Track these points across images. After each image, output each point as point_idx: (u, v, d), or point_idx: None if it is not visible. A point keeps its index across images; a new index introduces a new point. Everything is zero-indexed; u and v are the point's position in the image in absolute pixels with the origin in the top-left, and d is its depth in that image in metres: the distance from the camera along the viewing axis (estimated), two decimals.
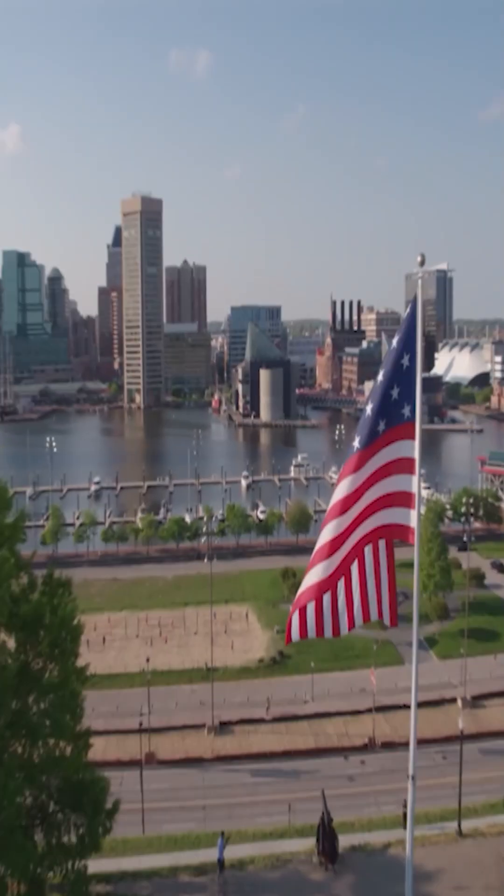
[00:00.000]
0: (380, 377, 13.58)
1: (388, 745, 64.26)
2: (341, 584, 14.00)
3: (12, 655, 19.84)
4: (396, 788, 55.29)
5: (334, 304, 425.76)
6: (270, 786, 60.57)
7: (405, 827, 38.65)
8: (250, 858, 31.86)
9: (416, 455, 13.62)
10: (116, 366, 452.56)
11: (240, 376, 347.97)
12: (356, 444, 13.45)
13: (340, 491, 13.57)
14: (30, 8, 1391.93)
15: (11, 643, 20.42)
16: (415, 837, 33.57)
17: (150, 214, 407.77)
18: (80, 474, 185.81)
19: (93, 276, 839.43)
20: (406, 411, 13.41)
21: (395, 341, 13.50)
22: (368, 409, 13.43)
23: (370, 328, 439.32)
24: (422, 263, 13.42)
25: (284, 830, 40.51)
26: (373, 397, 13.47)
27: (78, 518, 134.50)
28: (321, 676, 76.72)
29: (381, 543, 13.99)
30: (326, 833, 29.65)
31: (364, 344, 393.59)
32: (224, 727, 69.41)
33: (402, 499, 13.66)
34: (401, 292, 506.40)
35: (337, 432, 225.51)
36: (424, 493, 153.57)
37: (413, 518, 13.72)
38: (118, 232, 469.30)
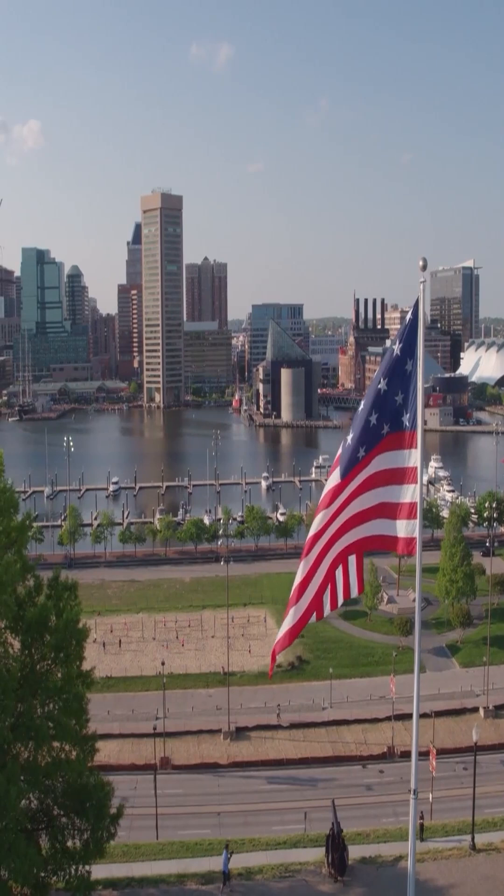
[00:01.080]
0: (382, 385, 12.93)
1: (408, 755, 63.03)
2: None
3: (16, 658, 19.41)
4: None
5: (357, 301, 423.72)
6: (286, 793, 59.81)
7: (421, 839, 38.01)
8: (258, 868, 31.32)
9: (418, 464, 12.92)
10: (136, 364, 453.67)
11: (261, 376, 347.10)
12: (361, 452, 12.95)
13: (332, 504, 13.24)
14: (49, 3, 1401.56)
15: (16, 646, 20.05)
16: (427, 851, 32.92)
17: (170, 211, 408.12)
18: (98, 474, 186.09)
19: (112, 274, 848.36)
20: (406, 420, 12.84)
21: (396, 347, 12.88)
22: (374, 418, 12.93)
23: (394, 327, 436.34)
24: (423, 268, 12.75)
25: (298, 839, 39.77)
26: (375, 406, 12.96)
27: (96, 518, 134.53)
28: (340, 683, 75.81)
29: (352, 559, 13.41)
30: (336, 844, 28.87)
31: (388, 343, 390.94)
32: (240, 733, 68.74)
33: (392, 510, 13.16)
34: (426, 290, 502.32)
35: None
36: (448, 496, 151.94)
37: (403, 528, 13.05)
38: (138, 229, 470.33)
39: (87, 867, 19.69)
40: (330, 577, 13.73)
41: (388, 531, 13.31)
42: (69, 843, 19.84)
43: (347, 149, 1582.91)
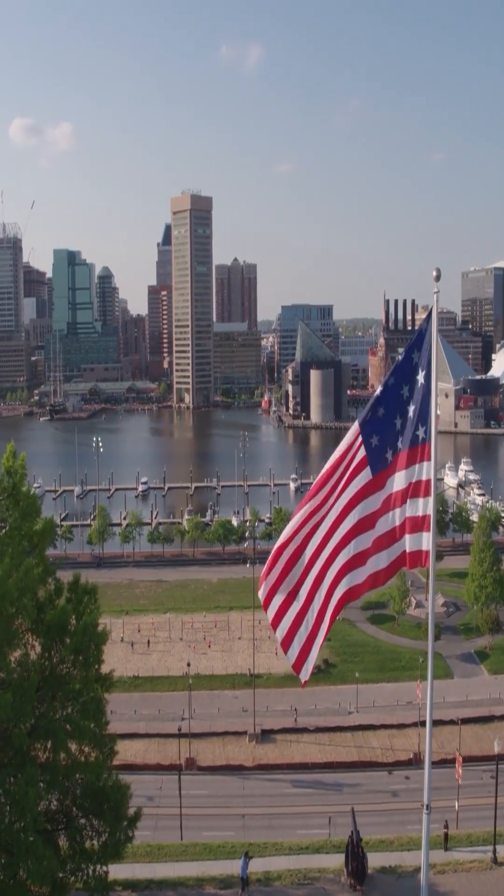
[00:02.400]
0: (404, 393, 12.91)
1: (436, 762, 62.59)
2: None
3: (36, 662, 19.67)
4: (441, 807, 53.72)
5: (387, 302, 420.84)
6: (311, 797, 59.63)
7: (445, 848, 37.63)
8: (277, 874, 31.32)
9: (433, 476, 12.86)
10: (166, 365, 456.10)
11: (290, 377, 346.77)
12: (388, 455, 13.02)
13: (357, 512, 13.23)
14: (79, 6, 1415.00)
15: (37, 649, 20.32)
16: (448, 862, 32.58)
17: (200, 212, 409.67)
18: (127, 474, 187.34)
19: (143, 275, 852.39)
20: (420, 432, 12.79)
21: (414, 359, 12.80)
22: (396, 423, 12.99)
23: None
24: (437, 279, 12.58)
25: (321, 845, 39.69)
26: (390, 407, 12.97)
27: (124, 518, 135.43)
28: (366, 687, 75.35)
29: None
30: (355, 853, 28.72)
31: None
32: (266, 735, 68.66)
33: (418, 524, 13.10)
34: (457, 291, 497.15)
35: None
36: (478, 499, 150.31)
37: (412, 543, 13.02)
38: (168, 230, 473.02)
39: (104, 868, 19.84)
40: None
41: (411, 546, 13.21)
42: (87, 845, 20.03)
43: (377, 148, 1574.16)
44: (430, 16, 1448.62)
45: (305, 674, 13.90)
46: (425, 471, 12.84)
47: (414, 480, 12.91)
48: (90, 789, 19.37)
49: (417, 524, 12.90)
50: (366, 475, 13.20)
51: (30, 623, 19.20)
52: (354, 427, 13.70)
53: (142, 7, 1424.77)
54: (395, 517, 13.05)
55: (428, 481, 12.81)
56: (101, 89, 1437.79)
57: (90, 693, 20.00)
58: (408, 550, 13.12)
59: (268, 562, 13.90)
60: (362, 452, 13.39)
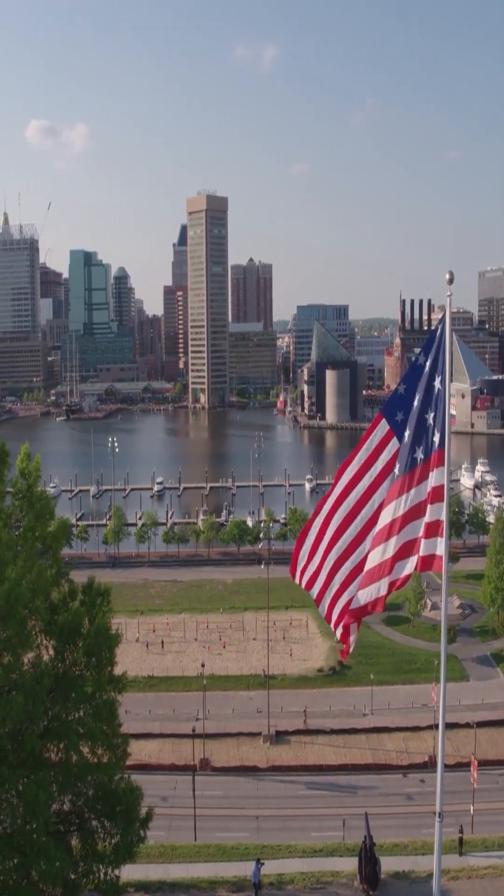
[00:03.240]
0: (415, 402, 12.82)
1: (452, 765, 62.11)
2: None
3: (47, 665, 19.78)
4: (457, 810, 53.41)
5: (403, 302, 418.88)
6: (325, 799, 59.43)
7: (460, 853, 37.30)
8: (290, 878, 31.17)
9: (446, 482, 12.77)
10: (181, 365, 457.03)
11: (305, 377, 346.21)
12: (396, 470, 12.80)
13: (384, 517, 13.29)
14: (95, 8, 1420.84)
15: (50, 650, 20.44)
16: (462, 869, 32.25)
17: (216, 213, 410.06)
18: (143, 474, 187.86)
19: (159, 275, 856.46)
20: (435, 439, 12.84)
21: (426, 365, 12.70)
22: (406, 435, 12.81)
23: None
24: (450, 282, 12.43)
25: (335, 847, 39.51)
26: (409, 423, 12.89)
27: (140, 518, 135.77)
28: (381, 689, 75.03)
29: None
30: (368, 858, 28.49)
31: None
32: (280, 736, 68.54)
33: (431, 529, 13.09)
34: (473, 291, 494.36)
35: None
36: (495, 500, 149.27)
37: (436, 546, 12.86)
38: (184, 230, 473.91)
39: (116, 870, 19.88)
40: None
41: (424, 550, 13.18)
42: (99, 846, 20.09)
43: (392, 147, 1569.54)
44: (444, 14, 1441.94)
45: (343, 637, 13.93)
46: (440, 477, 12.74)
47: (431, 487, 12.81)
48: (102, 791, 19.44)
49: (430, 529, 12.80)
50: (394, 444, 13.36)
51: (43, 625, 19.28)
52: (383, 425, 13.54)
53: (157, 8, 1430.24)
54: (417, 528, 13.05)
55: (440, 487, 12.71)
56: (117, 91, 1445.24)
57: (103, 695, 20.03)
58: (421, 554, 13.04)
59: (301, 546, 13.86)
60: (386, 427, 13.43)
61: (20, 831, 16.66)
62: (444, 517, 12.70)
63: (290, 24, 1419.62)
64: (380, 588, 13.33)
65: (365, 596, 13.49)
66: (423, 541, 12.97)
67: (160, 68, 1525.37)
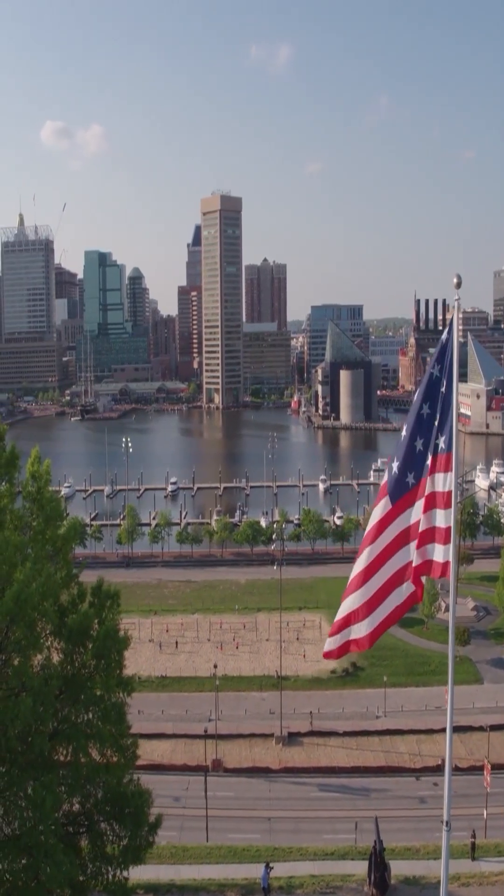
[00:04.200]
0: (424, 409, 12.80)
1: (460, 769, 61.72)
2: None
3: (56, 667, 19.86)
4: (470, 814, 53.12)
5: (418, 302, 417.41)
6: (338, 802, 59.25)
7: (472, 858, 37.01)
8: (299, 882, 31.14)
9: (454, 488, 12.67)
10: (196, 365, 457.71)
11: (319, 377, 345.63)
12: (411, 479, 12.82)
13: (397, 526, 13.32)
14: (109, 9, 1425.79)
15: (59, 652, 20.54)
16: (474, 875, 32.02)
17: (230, 213, 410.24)
18: (157, 474, 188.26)
19: (173, 276, 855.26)
20: (441, 442, 12.63)
21: (434, 369, 12.66)
22: (420, 444, 12.85)
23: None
24: (458, 286, 12.29)
25: (347, 851, 39.40)
26: (420, 430, 12.90)
27: (153, 518, 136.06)
28: (394, 691, 74.71)
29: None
30: (377, 863, 28.36)
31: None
32: (293, 738, 68.40)
33: (432, 535, 13.04)
34: (489, 290, 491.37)
35: None
36: None
37: (441, 553, 12.75)
38: (198, 231, 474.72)
39: (124, 873, 19.92)
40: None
41: (428, 556, 13.07)
42: (108, 849, 20.14)
43: (408, 147, 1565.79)
44: (459, 13, 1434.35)
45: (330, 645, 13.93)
46: (445, 482, 12.62)
47: (434, 491, 12.71)
48: (111, 794, 19.48)
49: (437, 536, 12.69)
50: (385, 505, 13.26)
51: (52, 627, 19.36)
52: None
53: (171, 9, 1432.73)
54: (412, 550, 13.07)
55: (448, 493, 12.59)
56: (131, 91, 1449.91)
57: (111, 698, 20.06)
58: (432, 559, 12.94)
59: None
60: (383, 480, 13.67)
61: (28, 833, 16.72)
62: (451, 524, 12.57)
63: (305, 24, 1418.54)
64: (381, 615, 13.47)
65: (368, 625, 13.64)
66: (428, 546, 12.86)
67: (174, 69, 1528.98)
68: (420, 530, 12.95)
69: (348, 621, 13.75)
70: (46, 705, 17.45)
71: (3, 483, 20.46)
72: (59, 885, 16.93)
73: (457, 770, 62.10)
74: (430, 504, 12.77)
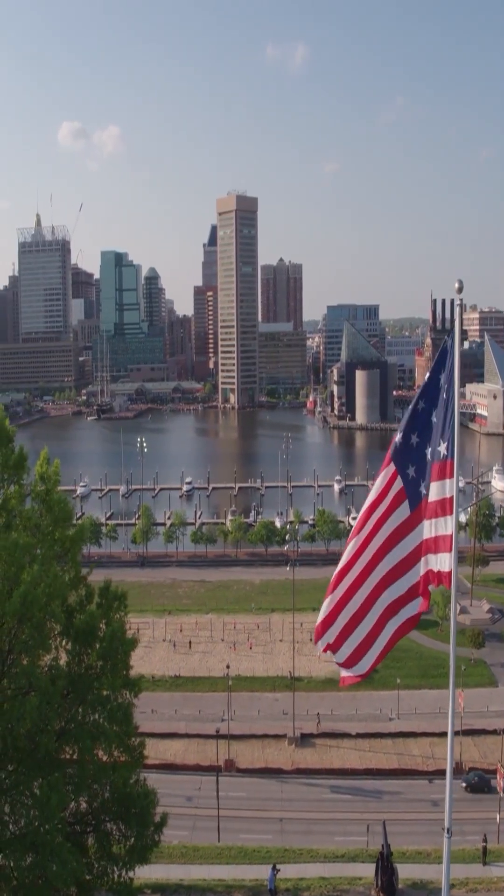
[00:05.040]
0: (433, 417, 12.91)
1: (479, 772, 61.40)
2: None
3: (63, 667, 19.99)
4: (483, 818, 52.91)
5: (434, 302, 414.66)
6: (350, 804, 59.13)
7: (484, 863, 36.77)
8: (307, 884, 31.15)
9: (455, 494, 12.61)
10: (211, 365, 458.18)
11: (335, 377, 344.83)
12: (422, 489, 12.75)
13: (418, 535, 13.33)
14: (124, 9, 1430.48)
15: (66, 653, 20.68)
16: (482, 881, 31.82)
17: (245, 213, 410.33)
18: (172, 474, 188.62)
19: (189, 276, 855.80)
20: (442, 448, 12.50)
21: (441, 381, 12.61)
22: (427, 452, 12.88)
23: (473, 328, 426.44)
24: (460, 290, 12.19)
25: (357, 853, 39.33)
26: (423, 434, 12.90)
27: (168, 518, 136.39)
28: (408, 693, 74.40)
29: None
30: (385, 867, 28.24)
31: (466, 345, 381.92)
32: (305, 739, 68.34)
33: (436, 543, 12.96)
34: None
35: None
36: None
37: (446, 561, 12.68)
38: (214, 231, 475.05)
39: (129, 873, 20.02)
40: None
41: (430, 566, 13.01)
42: (115, 848, 20.26)
43: (424, 146, 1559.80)
44: (475, 12, 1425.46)
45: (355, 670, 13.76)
46: (450, 488, 12.54)
47: (439, 497, 12.62)
48: (117, 794, 19.58)
49: (444, 543, 12.60)
50: (404, 510, 13.07)
51: (59, 628, 19.49)
52: (387, 456, 13.35)
53: (187, 9, 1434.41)
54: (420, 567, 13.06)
55: (450, 499, 12.50)
56: (147, 92, 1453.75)
57: (118, 698, 20.16)
58: (432, 569, 12.88)
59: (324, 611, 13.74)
60: (399, 485, 13.15)
61: (34, 831, 16.86)
62: (452, 531, 12.49)
63: (321, 24, 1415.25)
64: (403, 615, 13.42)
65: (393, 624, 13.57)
66: (430, 556, 12.79)
67: (190, 69, 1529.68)
68: (425, 538, 12.89)
69: (348, 630, 13.55)
70: (52, 705, 17.57)
71: (12, 485, 20.61)
72: (64, 883, 17.07)
73: (471, 772, 61.80)
74: (435, 513, 12.69)
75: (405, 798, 58.27)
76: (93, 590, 21.09)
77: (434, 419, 12.56)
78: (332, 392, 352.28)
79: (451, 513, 12.42)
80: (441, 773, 62.04)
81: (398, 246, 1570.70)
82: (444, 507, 12.54)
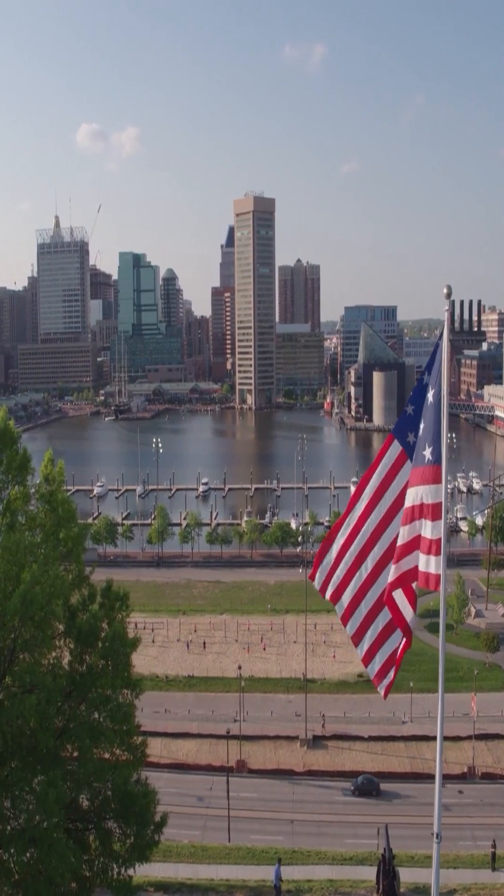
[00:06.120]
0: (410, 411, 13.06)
1: (489, 776, 61.11)
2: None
3: (64, 667, 20.18)
4: (495, 823, 52.63)
5: (453, 303, 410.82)
6: (361, 806, 59.03)
7: (493, 869, 36.52)
8: (309, 886, 31.13)
9: (444, 500, 12.57)
10: (229, 366, 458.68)
11: (352, 378, 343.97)
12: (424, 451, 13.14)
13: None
14: (143, 11, 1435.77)
15: (67, 654, 20.88)
16: (484, 886, 31.52)
17: (263, 214, 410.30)
18: (189, 474, 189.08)
19: (207, 277, 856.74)
20: (427, 453, 12.49)
21: (424, 380, 12.67)
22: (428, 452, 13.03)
23: (491, 329, 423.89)
24: (448, 296, 12.19)
25: (366, 856, 39.24)
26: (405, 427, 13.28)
27: (184, 519, 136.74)
28: (421, 696, 73.96)
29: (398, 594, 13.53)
30: (386, 871, 28.07)
31: (484, 346, 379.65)
32: (317, 741, 68.26)
33: (430, 547, 12.95)
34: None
35: (449, 439, 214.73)
36: None
37: (432, 564, 12.62)
38: (231, 232, 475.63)
39: (128, 871, 20.18)
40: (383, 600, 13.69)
41: (423, 567, 13.01)
42: (116, 846, 20.44)
43: (443, 145, 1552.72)
44: (497, 8, 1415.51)
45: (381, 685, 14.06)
46: (435, 494, 12.51)
47: (423, 503, 12.60)
48: (118, 792, 19.74)
49: (429, 547, 12.59)
50: (408, 467, 13.39)
51: (61, 628, 19.67)
52: (396, 446, 13.88)
53: (204, 10, 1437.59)
54: (414, 529, 12.96)
55: (438, 505, 12.48)
56: (166, 93, 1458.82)
57: (119, 698, 20.31)
58: (420, 569, 12.89)
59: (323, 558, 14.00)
60: (398, 448, 13.56)
61: (33, 827, 17.08)
62: (441, 536, 12.46)
63: (339, 23, 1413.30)
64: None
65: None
66: (421, 556, 12.78)
67: (209, 70, 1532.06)
68: (402, 542, 12.89)
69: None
70: (52, 703, 17.76)
71: (16, 486, 20.84)
72: (63, 878, 17.27)
73: (484, 777, 61.50)
74: (413, 516, 12.70)
75: (417, 802, 57.97)
76: (95, 590, 21.27)
77: (409, 411, 12.63)
78: (349, 393, 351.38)
79: (440, 518, 12.40)
80: (454, 778, 61.74)
81: (417, 246, 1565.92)
82: (431, 512, 12.52)
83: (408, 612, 13.61)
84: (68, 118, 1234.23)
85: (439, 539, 12.39)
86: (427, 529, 12.50)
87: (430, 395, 12.47)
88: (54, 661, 19.58)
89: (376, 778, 61.47)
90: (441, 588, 12.54)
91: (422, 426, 12.54)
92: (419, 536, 12.68)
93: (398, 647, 14.07)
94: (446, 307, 12.39)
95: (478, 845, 47.19)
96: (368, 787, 60.36)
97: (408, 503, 12.81)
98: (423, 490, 12.51)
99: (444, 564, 12.39)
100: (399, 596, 13.36)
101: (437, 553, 12.38)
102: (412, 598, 13.57)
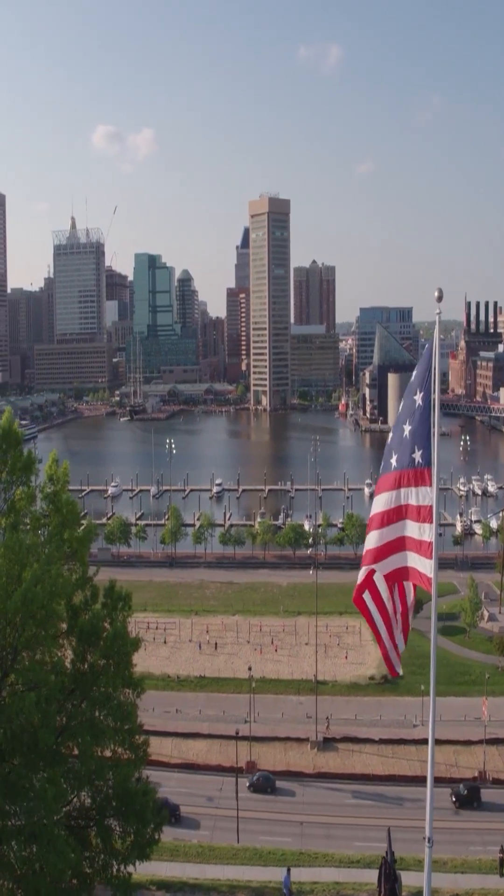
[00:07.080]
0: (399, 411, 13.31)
1: (501, 782, 60.72)
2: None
3: (66, 665, 20.32)
4: (501, 829, 52.31)
5: (469, 304, 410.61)
6: (371, 809, 58.83)
7: (501, 874, 36.29)
8: (310, 888, 31.09)
9: (433, 503, 12.57)
10: (243, 367, 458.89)
11: (367, 380, 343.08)
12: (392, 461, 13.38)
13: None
14: (159, 13, 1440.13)
15: (70, 653, 21.03)
16: (488, 892, 31.29)
17: (278, 215, 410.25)
18: (203, 475, 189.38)
19: (222, 278, 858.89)
20: (417, 456, 12.44)
21: (414, 381, 12.77)
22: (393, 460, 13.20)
23: None
24: (439, 299, 12.19)
25: (374, 859, 39.06)
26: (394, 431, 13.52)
27: (198, 519, 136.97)
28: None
29: (406, 586, 13.58)
30: (388, 874, 27.91)
31: (500, 347, 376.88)
32: (328, 743, 68.13)
33: (421, 548, 13.03)
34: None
35: (464, 441, 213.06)
36: None
37: (421, 566, 12.67)
38: (247, 233, 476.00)
39: (127, 868, 20.29)
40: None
41: (417, 567, 13.07)
42: (117, 843, 20.57)
43: (459, 145, 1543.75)
44: None
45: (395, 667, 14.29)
46: (425, 496, 12.50)
47: (413, 504, 12.60)
48: (118, 791, 19.86)
49: (420, 548, 12.59)
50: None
51: (64, 626, 19.82)
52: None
53: (219, 11, 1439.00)
54: (402, 529, 13.02)
55: (429, 508, 12.48)
56: (181, 94, 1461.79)
57: (120, 697, 20.43)
58: (409, 567, 12.93)
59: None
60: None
61: (34, 824, 17.22)
62: (432, 539, 12.46)
63: (354, 24, 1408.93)
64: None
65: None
66: (411, 555, 12.80)
67: (224, 71, 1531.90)
68: (385, 542, 12.92)
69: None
70: (52, 702, 17.89)
71: (21, 486, 21.01)
72: (62, 874, 17.41)
73: (495, 782, 61.14)
74: (415, 516, 12.68)
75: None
76: (98, 589, 21.41)
77: (406, 426, 12.60)
78: (364, 395, 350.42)
79: (431, 521, 12.39)
80: (464, 781, 61.34)
81: (433, 247, 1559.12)
82: (422, 514, 12.51)
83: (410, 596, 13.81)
84: (85, 120, 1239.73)
85: (431, 542, 12.39)
86: (421, 531, 12.51)
87: (417, 398, 12.44)
88: (56, 660, 19.73)
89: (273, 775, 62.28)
90: (433, 591, 12.54)
91: (408, 428, 12.49)
92: (404, 537, 12.70)
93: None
94: (437, 311, 12.39)
95: (487, 850, 46.89)
96: (265, 784, 61.17)
97: (393, 504, 12.81)
98: (409, 492, 12.51)
99: (435, 566, 12.39)
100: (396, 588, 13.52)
101: (429, 556, 12.39)
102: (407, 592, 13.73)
